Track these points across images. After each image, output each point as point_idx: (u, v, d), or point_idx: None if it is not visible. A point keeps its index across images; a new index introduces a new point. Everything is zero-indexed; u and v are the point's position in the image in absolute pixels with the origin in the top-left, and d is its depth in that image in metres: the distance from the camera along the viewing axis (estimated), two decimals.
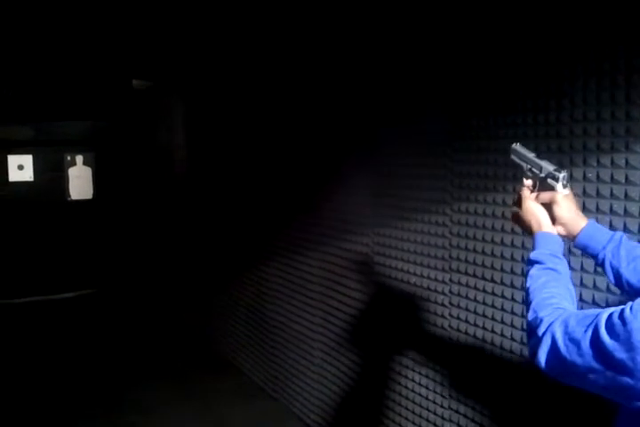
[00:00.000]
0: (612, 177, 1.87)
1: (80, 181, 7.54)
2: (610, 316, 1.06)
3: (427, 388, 2.77)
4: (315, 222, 3.66)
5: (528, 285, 1.35)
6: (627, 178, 1.83)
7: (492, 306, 2.37)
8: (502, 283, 2.32)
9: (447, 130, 2.55)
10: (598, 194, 1.91)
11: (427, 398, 2.78)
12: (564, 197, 1.46)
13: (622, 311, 1.04)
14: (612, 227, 1.88)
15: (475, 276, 2.45)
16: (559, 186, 1.46)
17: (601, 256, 1.42)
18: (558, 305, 1.25)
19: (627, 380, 1.02)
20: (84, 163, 7.55)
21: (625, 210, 1.84)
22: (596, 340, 1.06)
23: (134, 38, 4.80)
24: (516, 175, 2.20)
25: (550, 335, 1.16)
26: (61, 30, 4.51)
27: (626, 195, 1.83)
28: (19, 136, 7.17)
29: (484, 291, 2.41)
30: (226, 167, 5.03)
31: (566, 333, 1.13)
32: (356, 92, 3.22)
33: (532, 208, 1.49)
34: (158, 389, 4.49)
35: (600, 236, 1.44)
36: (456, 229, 2.54)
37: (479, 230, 2.41)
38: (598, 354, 1.05)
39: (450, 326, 2.62)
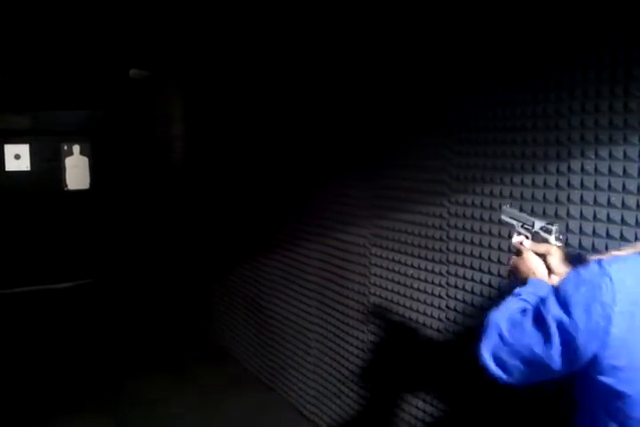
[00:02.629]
0: (609, 169, 1.87)
1: (77, 171, 7.53)
2: (544, 297, 1.22)
3: (423, 378, 2.79)
4: (312, 214, 3.66)
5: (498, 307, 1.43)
6: (624, 170, 1.83)
7: (489, 298, 2.38)
8: (499, 275, 2.32)
9: (447, 122, 2.55)
10: (596, 186, 1.91)
11: (423, 391, 2.79)
12: (557, 248, 1.57)
13: (552, 287, 1.20)
14: (609, 219, 1.88)
15: (472, 268, 2.46)
16: (552, 238, 1.57)
17: None
18: (508, 312, 1.34)
19: (570, 336, 1.11)
20: (81, 153, 7.54)
21: (623, 202, 1.84)
22: (536, 315, 1.19)
23: (132, 27, 4.77)
24: (515, 168, 2.21)
25: (495, 329, 1.28)
26: (58, 19, 4.48)
27: (624, 187, 1.84)
28: (16, 125, 7.15)
29: (482, 283, 2.41)
30: (224, 158, 5.01)
31: (510, 321, 1.26)
32: (355, 83, 3.20)
33: (533, 259, 1.57)
34: (155, 379, 4.51)
35: None
36: (454, 221, 2.54)
37: (477, 222, 2.41)
38: (540, 326, 1.17)
39: (447, 317, 2.62)
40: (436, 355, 2.69)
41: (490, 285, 2.37)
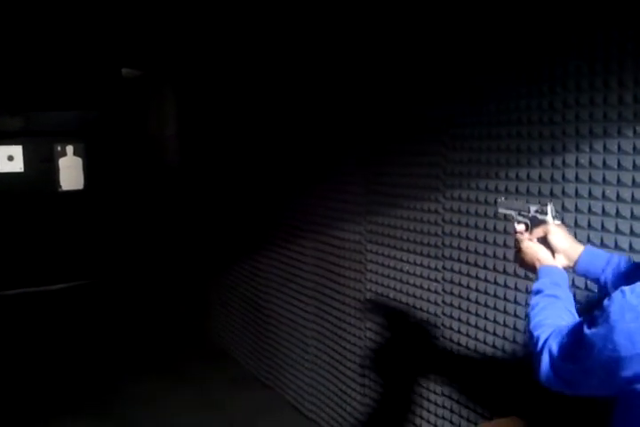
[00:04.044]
0: (604, 162, 1.87)
1: (71, 172, 7.50)
2: (592, 313, 1.11)
3: (421, 374, 2.78)
4: (308, 211, 3.66)
5: (528, 311, 1.40)
6: (619, 163, 1.83)
7: (485, 293, 2.38)
8: (495, 270, 2.32)
9: (441, 117, 2.54)
10: (590, 179, 1.92)
11: (421, 386, 2.79)
12: (556, 226, 1.55)
13: (601, 303, 1.09)
14: (604, 213, 1.88)
15: (468, 263, 2.46)
16: (549, 217, 1.56)
17: (602, 279, 1.47)
18: (553, 324, 1.29)
19: (614, 364, 1.04)
20: (75, 153, 7.51)
21: (617, 195, 1.84)
22: (580, 338, 1.12)
23: (124, 26, 4.75)
24: (510, 162, 2.21)
25: (547, 351, 1.22)
26: (50, 19, 4.46)
27: (618, 180, 1.84)
28: (8, 127, 7.12)
29: (477, 278, 2.41)
30: (218, 157, 5.00)
31: (560, 344, 1.19)
32: (350, 79, 3.20)
33: (531, 247, 1.56)
34: (154, 379, 4.49)
35: (598, 259, 1.50)
36: (449, 216, 2.54)
37: (472, 217, 2.41)
38: (586, 351, 1.10)
39: (443, 313, 2.62)
40: (434, 350, 2.69)
41: (486, 279, 2.37)
